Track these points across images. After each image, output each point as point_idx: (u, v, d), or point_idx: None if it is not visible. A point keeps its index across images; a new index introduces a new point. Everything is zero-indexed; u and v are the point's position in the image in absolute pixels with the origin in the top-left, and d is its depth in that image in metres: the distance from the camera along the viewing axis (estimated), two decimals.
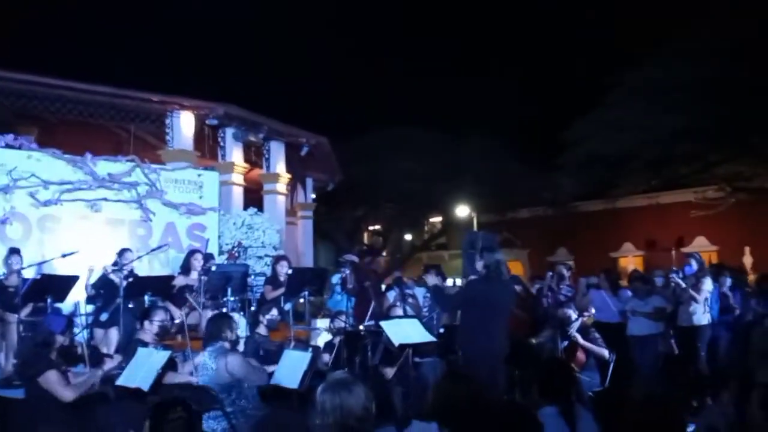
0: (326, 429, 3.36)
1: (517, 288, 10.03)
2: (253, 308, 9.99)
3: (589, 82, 21.96)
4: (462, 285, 7.78)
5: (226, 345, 5.87)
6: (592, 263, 24.30)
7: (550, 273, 10.11)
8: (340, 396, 3.37)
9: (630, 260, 27.03)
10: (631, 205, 25.97)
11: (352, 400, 3.38)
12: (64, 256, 8.36)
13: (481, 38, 31.82)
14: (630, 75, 19.48)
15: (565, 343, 8.59)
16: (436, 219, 30.92)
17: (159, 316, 6.93)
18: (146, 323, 6.86)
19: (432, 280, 7.34)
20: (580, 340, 8.48)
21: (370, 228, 32.73)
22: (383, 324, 7.16)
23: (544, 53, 28.71)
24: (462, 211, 25.76)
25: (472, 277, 7.21)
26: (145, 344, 6.34)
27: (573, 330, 8.51)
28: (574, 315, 8.66)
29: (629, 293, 9.70)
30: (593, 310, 9.54)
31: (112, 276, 8.74)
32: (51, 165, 10.47)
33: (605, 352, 8.49)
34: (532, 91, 27.12)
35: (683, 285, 9.20)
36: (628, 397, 3.90)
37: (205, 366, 5.76)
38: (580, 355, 8.57)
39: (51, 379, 5.48)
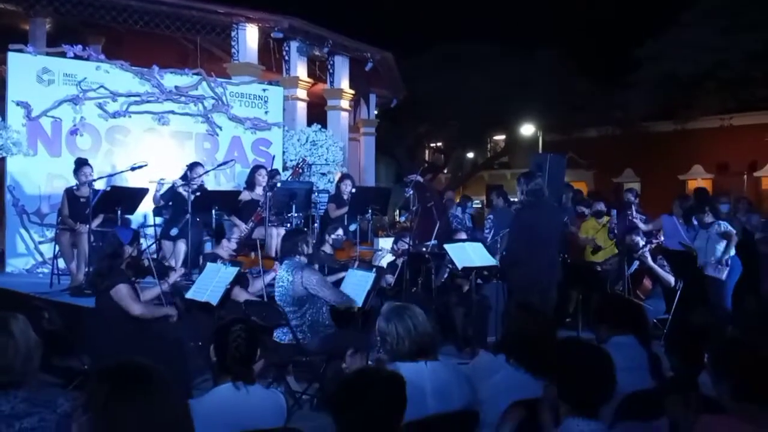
0: (401, 351, 3.39)
1: (585, 210, 9.93)
2: (316, 225, 10.10)
3: None
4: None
5: (303, 259, 5.97)
6: (659, 185, 23.88)
7: (614, 210, 9.93)
8: (409, 319, 3.40)
9: (699, 183, 26.39)
10: (702, 126, 25.14)
11: (419, 319, 3.42)
12: (133, 168, 8.44)
13: None
14: None
15: (632, 269, 8.50)
16: (500, 137, 30.48)
17: (236, 234, 7.04)
18: (224, 241, 6.98)
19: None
20: (649, 261, 8.38)
21: (432, 145, 32.47)
22: (447, 247, 7.16)
23: None
24: (527, 129, 25.31)
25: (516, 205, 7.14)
26: (215, 259, 6.46)
27: (645, 251, 8.40)
28: (641, 242, 8.54)
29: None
30: (662, 238, 9.37)
31: (181, 190, 8.85)
32: (119, 77, 10.52)
33: (671, 279, 8.38)
34: (602, 5, 26.09)
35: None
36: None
37: (281, 278, 5.88)
38: (647, 282, 8.49)
39: (122, 292, 5.55)
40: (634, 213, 9.55)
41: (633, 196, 10.21)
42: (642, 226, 9.31)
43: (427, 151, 32.82)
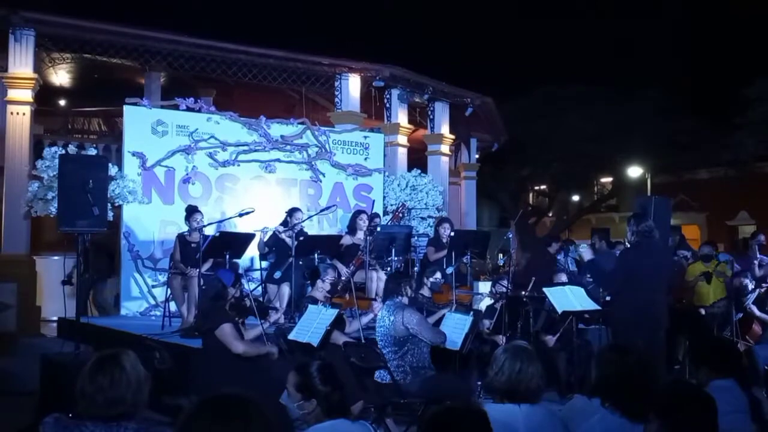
0: (495, 383, 3.40)
1: (687, 253, 9.60)
2: (416, 268, 10.17)
3: None
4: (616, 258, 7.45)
5: (404, 300, 6.07)
6: None
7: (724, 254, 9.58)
8: (521, 362, 3.40)
9: None
10: None
11: (531, 369, 3.40)
12: (241, 215, 8.80)
13: None
14: None
15: (740, 314, 8.16)
16: (607, 179, 29.85)
17: (329, 275, 7.22)
18: (318, 282, 7.16)
19: (587, 254, 7.09)
20: (756, 312, 8.03)
21: (536, 188, 32.11)
22: (546, 290, 7.08)
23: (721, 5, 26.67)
24: (634, 171, 24.67)
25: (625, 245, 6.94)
26: (315, 302, 6.63)
27: (749, 301, 8.06)
28: (750, 285, 8.21)
29: None
30: None
31: (283, 236, 9.13)
32: (228, 127, 11.04)
33: None
34: (709, 44, 25.39)
35: None
36: None
37: (382, 319, 6.02)
38: (756, 328, 8.14)
39: (226, 331, 5.80)
40: (758, 255, 9.22)
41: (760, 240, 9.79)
42: (756, 270, 8.96)
43: (531, 194, 32.48)
